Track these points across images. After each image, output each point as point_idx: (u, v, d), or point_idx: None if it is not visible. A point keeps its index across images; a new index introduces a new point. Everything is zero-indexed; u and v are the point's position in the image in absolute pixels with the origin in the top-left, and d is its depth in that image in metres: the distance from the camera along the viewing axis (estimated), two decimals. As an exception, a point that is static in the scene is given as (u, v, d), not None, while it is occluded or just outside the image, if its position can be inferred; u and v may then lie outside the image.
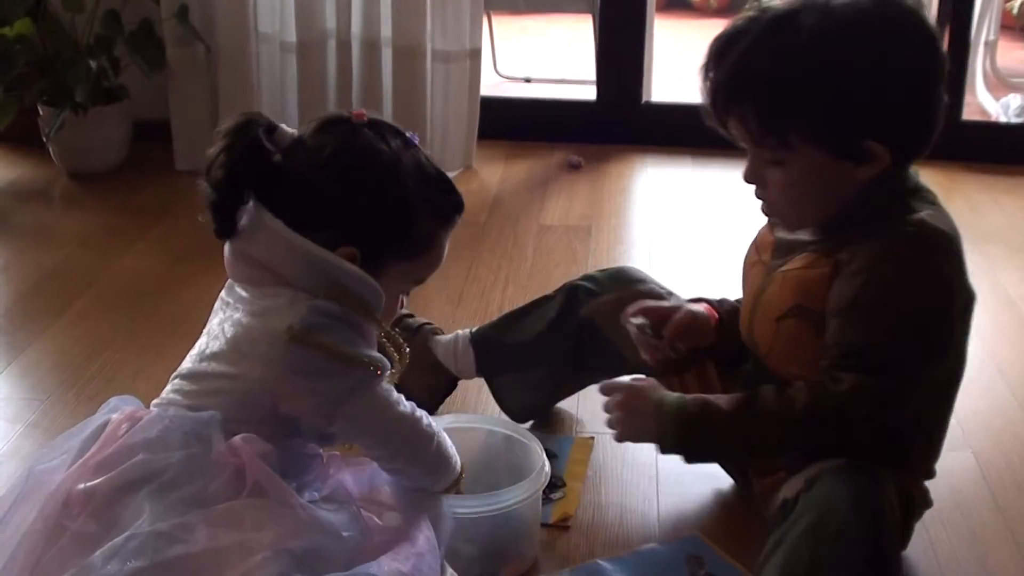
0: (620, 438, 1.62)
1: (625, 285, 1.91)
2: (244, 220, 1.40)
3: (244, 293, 1.43)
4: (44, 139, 3.21)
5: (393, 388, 1.45)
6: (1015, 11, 5.16)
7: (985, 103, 4.11)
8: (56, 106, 3.14)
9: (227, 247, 1.43)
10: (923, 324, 1.49)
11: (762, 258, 1.66)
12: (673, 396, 1.58)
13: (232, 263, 1.43)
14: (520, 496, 1.57)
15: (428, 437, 1.47)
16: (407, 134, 1.46)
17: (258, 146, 1.39)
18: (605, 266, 2.67)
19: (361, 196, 1.40)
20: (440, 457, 1.49)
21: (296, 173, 1.40)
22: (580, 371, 1.93)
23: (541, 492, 1.63)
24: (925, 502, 1.63)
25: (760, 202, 1.59)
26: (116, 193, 3.17)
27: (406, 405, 1.45)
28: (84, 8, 3.14)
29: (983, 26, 4.13)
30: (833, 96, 1.46)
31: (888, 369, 1.46)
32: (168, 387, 1.44)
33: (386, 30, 3.21)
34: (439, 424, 1.52)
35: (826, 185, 1.53)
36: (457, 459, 1.52)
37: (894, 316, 1.48)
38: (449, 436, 1.72)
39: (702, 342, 1.76)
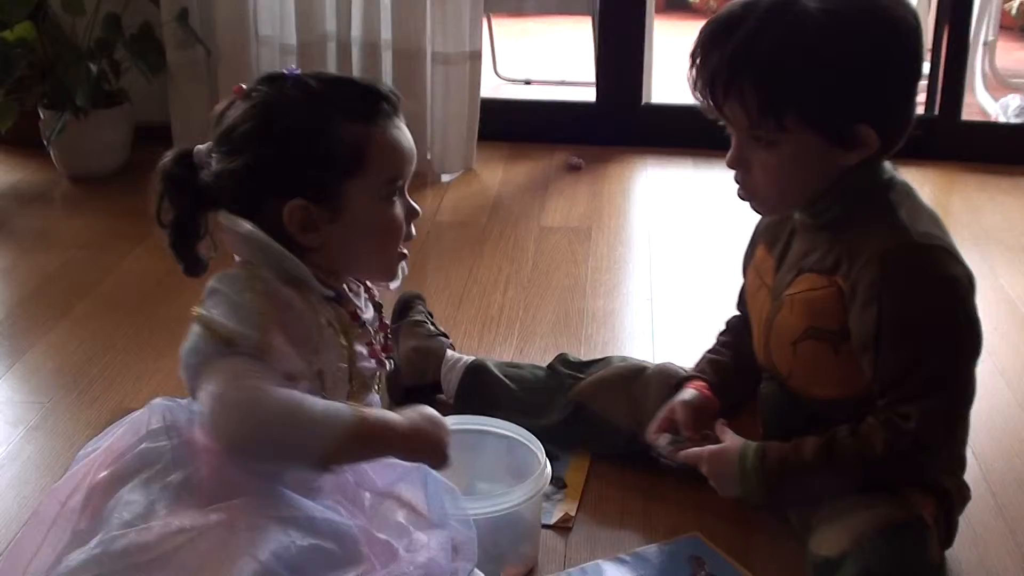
0: (724, 495, 1.66)
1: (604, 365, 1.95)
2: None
3: None
4: (45, 142, 3.21)
5: (260, 371, 1.28)
6: (1014, 11, 5.17)
7: (984, 103, 4.11)
8: (57, 109, 3.14)
9: None
10: (949, 326, 1.51)
11: (765, 282, 1.68)
12: (751, 456, 1.60)
13: None
14: (521, 498, 1.57)
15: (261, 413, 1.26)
16: (284, 71, 1.43)
17: (183, 177, 1.41)
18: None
19: (260, 151, 1.38)
20: (285, 431, 1.27)
21: (217, 172, 1.40)
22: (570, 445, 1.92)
23: (542, 493, 1.63)
24: (964, 496, 1.65)
25: (736, 186, 1.60)
26: (117, 196, 3.17)
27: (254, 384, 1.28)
28: (84, 11, 3.15)
29: (982, 26, 4.13)
30: (835, 80, 1.47)
31: (941, 385, 1.50)
32: None
33: (386, 32, 3.21)
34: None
35: (813, 169, 1.54)
36: (334, 413, 1.29)
37: (921, 334, 1.50)
38: (451, 437, 1.72)
39: (715, 413, 1.76)
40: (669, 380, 1.84)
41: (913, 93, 1.55)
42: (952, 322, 1.51)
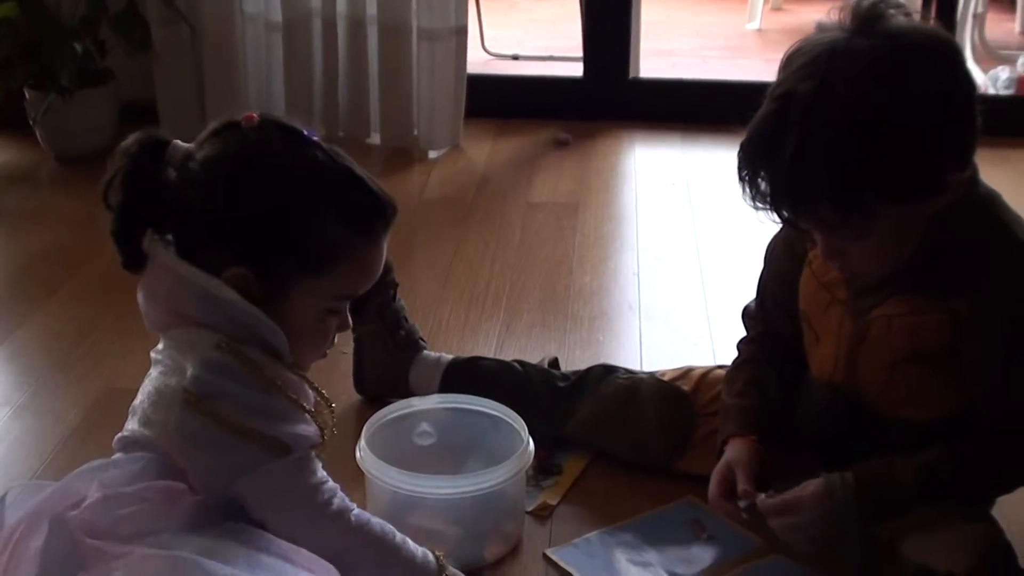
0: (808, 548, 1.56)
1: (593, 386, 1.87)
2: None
3: (161, 343, 1.38)
4: (31, 123, 3.20)
5: (319, 470, 1.33)
6: (1003, -17, 5.15)
7: (974, 75, 4.10)
8: (42, 89, 3.13)
9: (140, 294, 1.37)
10: None
11: (837, 297, 1.57)
12: (838, 489, 1.50)
13: (144, 310, 1.37)
14: (503, 476, 1.58)
15: (348, 528, 1.32)
16: (304, 132, 1.33)
17: (147, 167, 1.32)
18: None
19: (238, 203, 1.29)
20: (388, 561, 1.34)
21: (179, 189, 1.31)
22: None
23: (525, 472, 1.63)
24: None
25: (835, 264, 1.50)
26: (103, 175, 3.15)
27: (331, 493, 1.33)
28: (69, -10, 3.13)
29: (971, -2, 4.12)
30: (904, 152, 1.36)
31: None
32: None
33: (371, 8, 3.20)
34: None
35: (911, 230, 1.45)
36: (420, 555, 1.38)
37: None
38: (436, 416, 1.73)
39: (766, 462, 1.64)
40: (668, 400, 1.79)
41: (975, 109, 1.44)
42: None
